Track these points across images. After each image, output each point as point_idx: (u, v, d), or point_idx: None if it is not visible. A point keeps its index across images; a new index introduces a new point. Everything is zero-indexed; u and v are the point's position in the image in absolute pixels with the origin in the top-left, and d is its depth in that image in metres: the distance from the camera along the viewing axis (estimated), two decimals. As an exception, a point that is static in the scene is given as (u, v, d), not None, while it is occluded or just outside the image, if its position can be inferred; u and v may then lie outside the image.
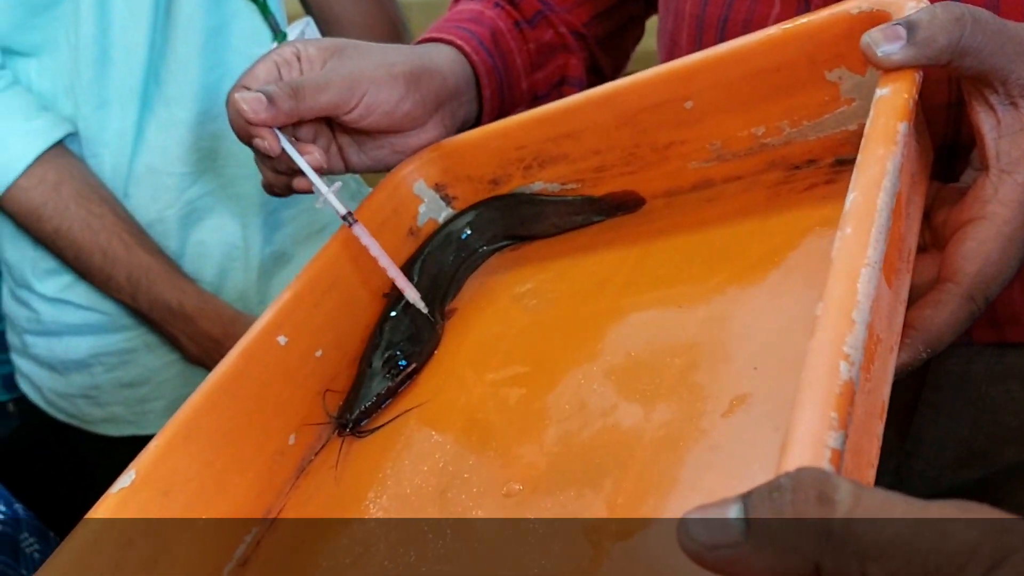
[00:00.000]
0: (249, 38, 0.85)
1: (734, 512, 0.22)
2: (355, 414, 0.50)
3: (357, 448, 0.50)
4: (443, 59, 0.60)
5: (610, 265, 0.52)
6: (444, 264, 0.58)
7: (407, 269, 0.57)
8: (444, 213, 0.61)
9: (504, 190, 0.60)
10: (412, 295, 0.54)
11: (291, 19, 0.92)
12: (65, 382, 0.89)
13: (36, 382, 0.90)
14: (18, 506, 0.73)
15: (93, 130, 0.81)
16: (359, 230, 0.53)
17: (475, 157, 0.59)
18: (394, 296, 0.56)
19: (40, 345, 0.87)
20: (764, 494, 0.21)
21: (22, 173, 0.76)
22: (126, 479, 0.42)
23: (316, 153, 0.53)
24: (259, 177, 0.85)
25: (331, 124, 0.57)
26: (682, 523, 0.22)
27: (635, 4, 0.71)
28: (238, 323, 0.83)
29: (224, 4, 0.83)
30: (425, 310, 0.54)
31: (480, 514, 0.40)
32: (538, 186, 0.58)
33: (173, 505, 0.44)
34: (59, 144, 0.79)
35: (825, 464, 0.24)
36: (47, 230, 0.78)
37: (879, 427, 0.32)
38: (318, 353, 0.52)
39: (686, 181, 0.54)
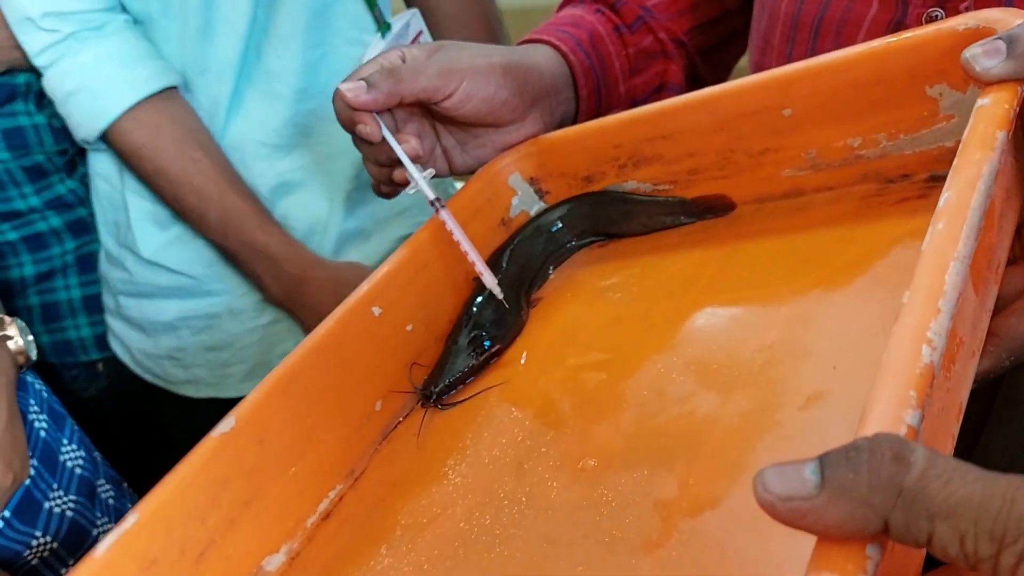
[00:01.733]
0: (352, 21, 0.88)
1: (810, 469, 0.23)
2: (439, 387, 0.52)
3: (439, 419, 0.52)
4: (540, 56, 0.62)
5: (696, 265, 0.54)
6: (532, 255, 0.60)
7: (496, 257, 0.59)
8: (536, 206, 0.63)
9: (597, 187, 0.61)
10: (489, 280, 0.56)
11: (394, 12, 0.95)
12: (153, 343, 0.93)
13: (126, 342, 0.95)
14: (96, 454, 0.77)
15: (194, 95, 0.86)
16: (445, 215, 0.56)
17: (571, 153, 0.61)
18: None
19: (132, 306, 0.92)
20: (841, 453, 0.23)
21: (121, 115, 0.81)
22: (226, 424, 0.45)
23: (413, 141, 0.56)
24: (349, 156, 0.89)
25: (435, 127, 0.60)
26: (759, 475, 0.23)
27: (738, 18, 0.72)
28: (318, 266, 0.86)
29: None
30: (501, 296, 0.56)
31: (555, 485, 0.42)
32: (631, 185, 0.60)
33: (266, 453, 0.46)
34: (169, 92, 0.83)
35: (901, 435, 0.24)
36: (147, 169, 0.83)
37: (955, 427, 0.33)
38: (409, 327, 0.55)
39: (778, 188, 0.55)
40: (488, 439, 0.48)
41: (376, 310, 0.53)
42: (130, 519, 0.41)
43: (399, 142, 0.56)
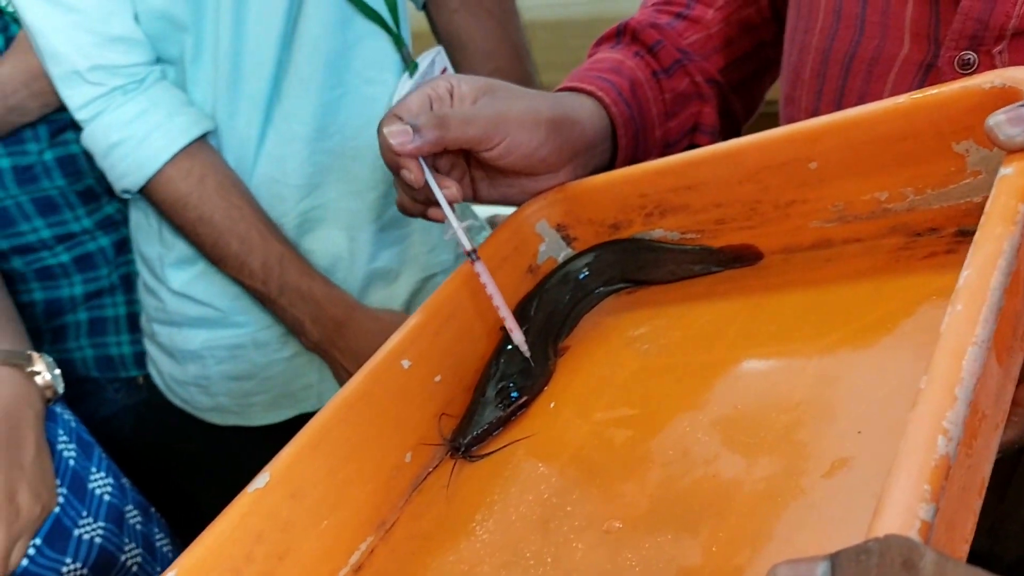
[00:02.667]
0: (370, 62, 0.90)
1: (822, 569, 0.23)
2: (467, 439, 0.53)
3: (468, 471, 0.53)
4: (584, 110, 0.63)
5: (724, 316, 0.54)
6: (560, 302, 0.61)
7: (524, 304, 0.60)
8: (564, 253, 0.64)
9: (624, 235, 0.62)
10: (518, 337, 0.56)
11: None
12: (181, 370, 0.96)
13: (159, 367, 0.98)
14: (125, 480, 0.79)
15: (222, 138, 0.88)
16: (480, 268, 0.56)
17: (598, 201, 0.61)
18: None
19: (163, 333, 0.95)
20: (852, 555, 0.23)
21: (165, 164, 0.83)
22: (261, 480, 0.46)
23: (453, 188, 0.57)
24: (370, 195, 0.91)
25: (468, 157, 0.61)
26: (772, 570, 0.24)
27: (772, 49, 0.72)
28: (359, 311, 0.88)
29: (349, 30, 0.88)
30: (528, 354, 0.56)
31: (580, 547, 0.42)
32: (658, 233, 0.60)
33: (299, 508, 0.47)
34: (202, 139, 0.86)
35: (914, 534, 0.25)
36: (191, 218, 0.85)
37: (977, 503, 0.33)
38: (437, 378, 0.56)
39: (805, 239, 0.55)
40: (515, 495, 0.48)
41: (405, 363, 0.54)
42: (169, 574, 0.42)
43: (440, 186, 0.56)
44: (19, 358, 0.65)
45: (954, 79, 0.46)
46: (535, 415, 0.54)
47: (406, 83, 0.88)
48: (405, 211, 0.61)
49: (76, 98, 0.83)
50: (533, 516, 0.46)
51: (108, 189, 0.95)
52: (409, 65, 0.91)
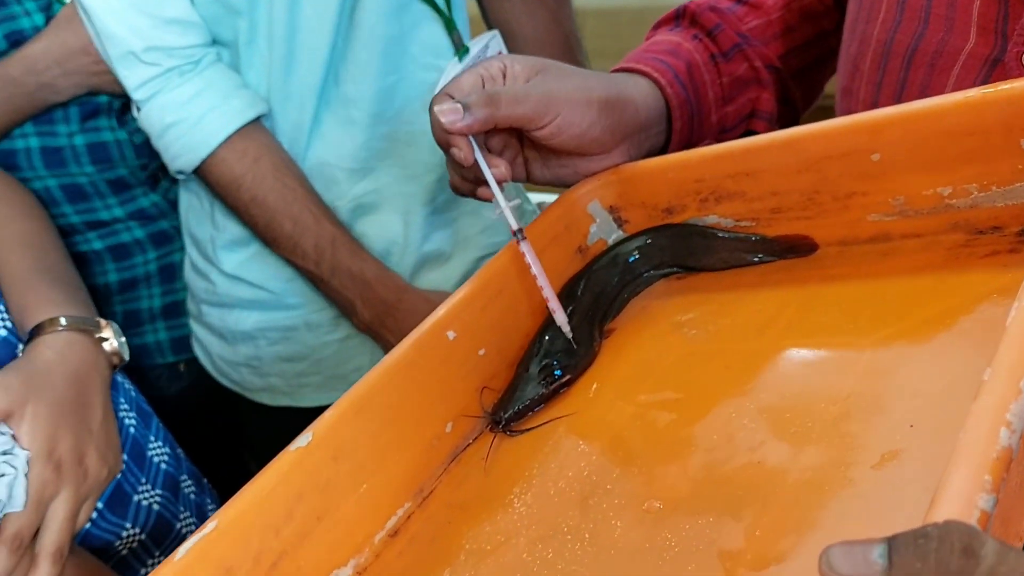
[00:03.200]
0: (427, 48, 0.90)
1: (878, 552, 0.23)
2: (508, 413, 0.53)
3: (507, 445, 0.53)
4: (638, 91, 0.62)
5: (775, 306, 0.53)
6: (608, 284, 0.61)
7: (571, 285, 0.60)
8: (614, 235, 0.64)
9: (677, 219, 0.61)
10: (561, 318, 0.56)
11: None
12: (232, 351, 0.97)
13: (207, 348, 0.99)
14: (179, 451, 0.80)
15: (276, 121, 0.88)
16: (526, 247, 0.56)
17: (652, 185, 0.61)
18: (558, 308, 0.59)
19: (213, 315, 0.96)
20: (910, 539, 0.23)
21: (220, 145, 0.84)
22: (303, 439, 0.47)
23: (503, 168, 0.57)
24: (425, 179, 0.91)
25: (520, 138, 0.61)
26: (826, 551, 0.23)
27: (834, 38, 0.71)
28: (409, 292, 0.88)
29: (405, 15, 0.88)
30: (570, 335, 0.56)
31: (619, 524, 0.42)
32: (712, 220, 0.60)
33: (340, 469, 0.48)
34: (256, 121, 0.86)
35: (975, 525, 0.24)
36: (244, 199, 0.86)
37: (1035, 502, 0.32)
38: (481, 352, 0.56)
39: (863, 232, 0.54)
40: (554, 470, 0.48)
41: (451, 334, 0.54)
42: (209, 526, 0.43)
43: (490, 165, 0.56)
44: (88, 324, 0.66)
45: (1021, 75, 0.45)
46: (577, 394, 0.54)
47: (455, 67, 0.88)
48: (456, 190, 0.62)
49: (132, 79, 0.84)
50: (572, 492, 0.46)
51: (142, 181, 0.96)
52: (459, 50, 0.90)
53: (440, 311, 0.54)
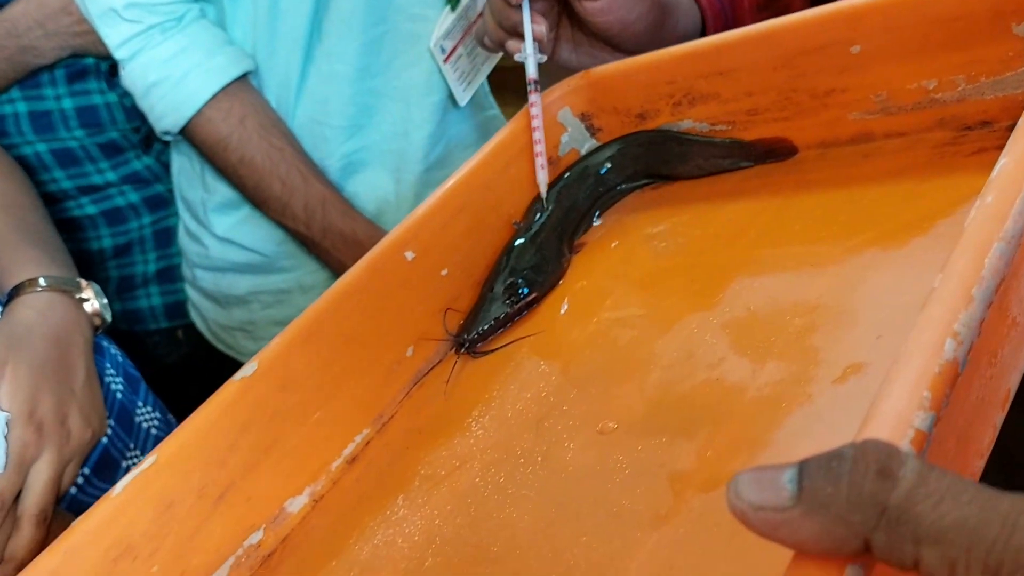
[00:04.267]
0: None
1: (787, 477, 0.20)
2: (472, 335, 0.51)
3: (470, 368, 0.51)
4: (682, 1, 0.61)
5: (748, 214, 0.50)
6: (579, 198, 0.58)
7: (539, 201, 0.57)
8: (587, 144, 0.60)
9: (650, 125, 0.58)
10: (542, 178, 0.56)
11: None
12: (227, 315, 0.95)
13: (203, 312, 0.97)
14: (171, 417, 0.78)
15: (263, 78, 0.84)
16: (535, 99, 0.56)
17: (624, 88, 0.57)
18: (524, 225, 0.56)
19: (207, 279, 0.94)
20: (822, 462, 0.20)
21: (204, 105, 0.81)
22: (248, 369, 0.45)
23: (543, 26, 0.56)
24: (416, 135, 0.87)
25: (561, 15, 0.59)
26: (734, 479, 0.21)
27: None
28: None
29: None
30: (544, 196, 0.56)
31: (571, 447, 0.40)
32: (686, 124, 0.56)
33: (289, 400, 0.46)
34: (243, 79, 0.82)
35: (905, 444, 0.22)
36: (232, 160, 0.83)
37: (998, 416, 0.29)
38: (443, 272, 0.53)
39: (844, 133, 0.51)
40: (514, 392, 0.46)
41: (409, 254, 0.51)
42: (148, 460, 0.41)
43: (532, 21, 0.56)
44: (68, 284, 0.64)
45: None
46: (544, 313, 0.52)
47: (447, 17, 0.83)
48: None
49: (114, 36, 0.80)
50: (529, 414, 0.44)
51: (135, 144, 0.92)
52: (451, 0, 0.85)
53: (396, 231, 0.52)
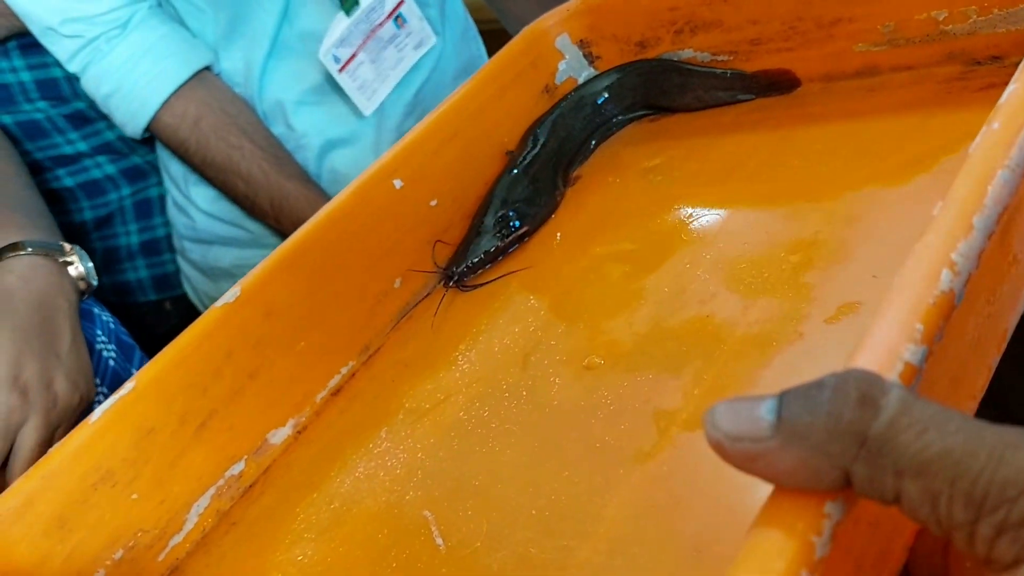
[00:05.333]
0: None
1: (766, 407, 0.20)
2: (461, 268, 0.50)
3: (459, 301, 0.50)
4: None
5: (747, 148, 0.49)
6: (574, 128, 0.56)
7: (536, 128, 0.55)
8: (585, 73, 0.58)
9: (650, 54, 0.56)
10: None
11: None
12: (215, 287, 0.94)
13: (193, 284, 0.97)
14: None
15: (228, 60, 0.81)
16: None
17: (624, 14, 0.55)
18: (517, 155, 0.54)
19: (195, 251, 0.93)
20: (802, 391, 0.19)
21: (157, 111, 0.79)
22: (231, 295, 0.44)
23: None
24: (395, 109, 0.83)
25: None
26: (711, 409, 0.20)
27: None
28: None
29: None
30: None
31: (557, 382, 0.40)
32: (687, 54, 0.54)
33: (273, 326, 0.45)
34: (198, 75, 0.80)
35: (893, 379, 0.21)
36: (195, 162, 0.82)
37: (994, 357, 0.29)
38: (432, 202, 0.52)
39: (849, 65, 0.49)
40: (502, 326, 0.45)
41: (397, 182, 0.50)
42: (127, 387, 0.41)
43: None
44: (51, 248, 0.62)
45: None
46: (536, 246, 0.51)
47: (340, 23, 0.79)
48: None
49: (61, 53, 0.78)
50: (516, 348, 0.43)
51: (104, 115, 0.90)
52: (345, 3, 0.80)
53: (384, 157, 0.50)
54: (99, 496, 0.39)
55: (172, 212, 0.93)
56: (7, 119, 0.86)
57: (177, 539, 0.41)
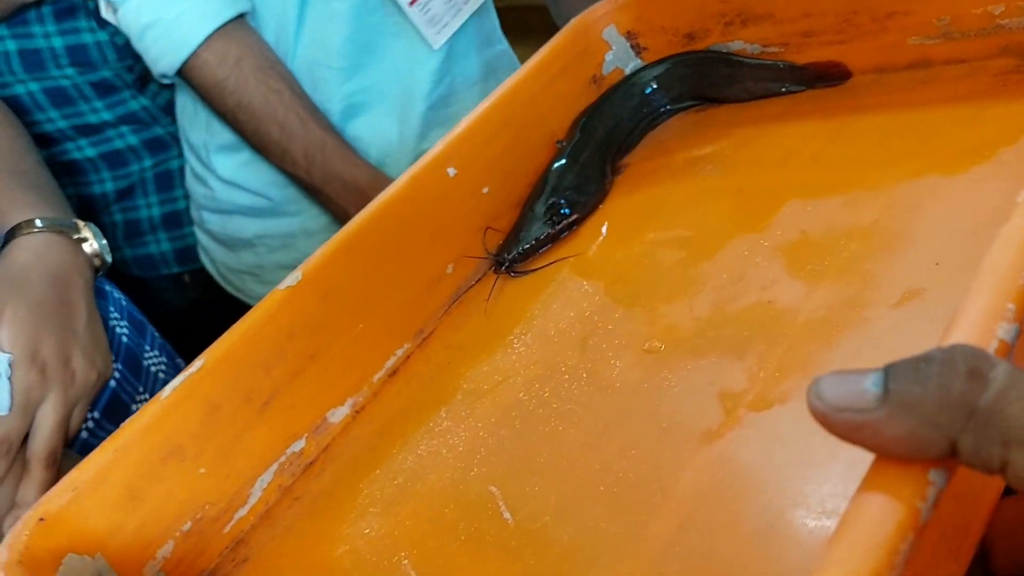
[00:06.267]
0: None
1: (872, 379, 0.20)
2: (512, 254, 0.51)
3: (510, 287, 0.50)
4: None
5: (800, 138, 0.49)
6: (622, 117, 0.57)
7: (584, 117, 0.56)
8: (632, 64, 0.59)
9: (699, 46, 0.56)
10: None
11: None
12: (235, 258, 0.94)
13: (212, 255, 0.97)
14: (179, 360, 0.78)
15: (260, 19, 0.82)
16: None
17: (673, 6, 0.56)
18: (566, 144, 0.55)
19: (214, 222, 0.93)
20: (910, 364, 0.20)
21: (199, 47, 0.78)
22: (292, 279, 0.45)
23: None
24: (419, 74, 0.84)
25: None
26: (815, 382, 0.21)
27: None
28: None
29: None
30: None
31: (618, 364, 0.40)
32: (736, 46, 0.55)
33: (331, 309, 0.46)
34: (239, 19, 0.80)
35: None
36: (229, 104, 0.81)
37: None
38: (484, 190, 0.53)
39: (902, 58, 0.49)
40: (556, 311, 0.46)
41: (451, 170, 0.51)
42: (196, 364, 0.41)
43: None
44: (65, 225, 0.62)
45: None
46: (585, 234, 0.52)
47: None
48: None
49: None
50: (572, 333, 0.44)
51: (129, 84, 0.90)
52: None
53: (439, 146, 0.51)
54: (168, 469, 0.40)
55: (191, 182, 0.94)
56: (34, 85, 0.86)
57: (242, 512, 0.42)
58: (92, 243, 0.63)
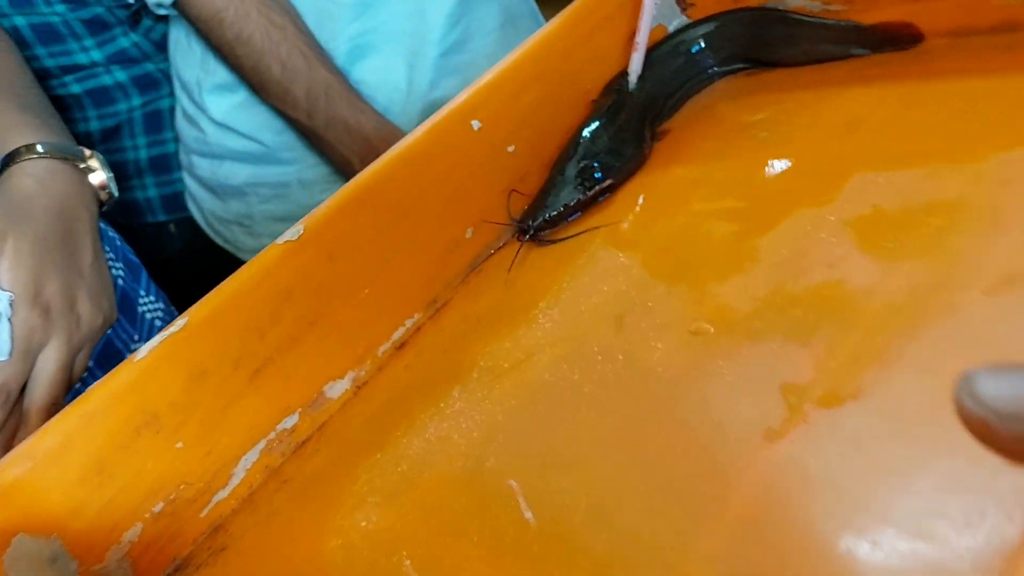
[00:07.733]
0: None
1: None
2: (538, 221, 0.46)
3: (535, 256, 0.46)
4: None
5: (866, 105, 0.44)
6: (665, 78, 0.51)
7: (621, 77, 0.51)
8: (676, 21, 0.54)
9: (752, 3, 0.51)
10: (637, 61, 0.48)
11: None
12: (224, 207, 0.89)
13: (199, 203, 0.91)
14: (173, 308, 0.73)
15: None
16: None
17: (727, -42, 0.50)
18: (603, 103, 0.50)
19: (204, 166, 0.87)
20: None
21: None
22: (293, 232, 0.40)
23: None
24: (432, 14, 0.78)
25: None
26: (967, 378, 0.16)
27: None
28: None
29: None
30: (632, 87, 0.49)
31: (660, 347, 0.35)
32: (795, 3, 0.50)
33: (336, 270, 0.41)
34: None
35: None
36: (228, 37, 0.75)
37: None
38: (511, 148, 0.48)
39: (984, 20, 0.44)
40: (587, 284, 0.41)
41: (476, 123, 0.46)
42: (178, 323, 0.37)
43: None
44: (70, 152, 0.56)
45: None
46: (619, 203, 0.46)
47: None
48: None
49: None
50: (606, 309, 0.39)
51: (122, 20, 0.84)
52: None
53: (463, 95, 0.46)
54: (142, 442, 0.35)
55: (181, 124, 0.88)
56: (20, 20, 0.80)
57: (222, 494, 0.37)
58: (99, 173, 0.57)
